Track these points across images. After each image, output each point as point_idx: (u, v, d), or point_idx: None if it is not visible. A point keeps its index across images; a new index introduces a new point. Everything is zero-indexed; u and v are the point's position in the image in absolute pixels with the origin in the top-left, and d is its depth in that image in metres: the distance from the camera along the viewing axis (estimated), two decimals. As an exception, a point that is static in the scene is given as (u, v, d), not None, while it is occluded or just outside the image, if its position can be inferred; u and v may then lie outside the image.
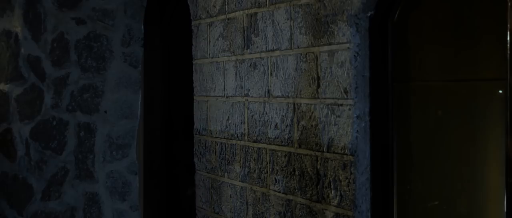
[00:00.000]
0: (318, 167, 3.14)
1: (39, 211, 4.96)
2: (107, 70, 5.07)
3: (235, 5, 3.73)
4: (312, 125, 3.18)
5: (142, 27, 5.17)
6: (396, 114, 2.99)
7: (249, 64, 3.64)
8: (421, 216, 2.95)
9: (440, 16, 2.83)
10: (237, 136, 3.76)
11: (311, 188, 3.19)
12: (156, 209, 5.17)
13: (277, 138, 3.42)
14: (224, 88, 3.88)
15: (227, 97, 3.86)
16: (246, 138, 3.68)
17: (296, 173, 3.29)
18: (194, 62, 4.21)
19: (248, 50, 3.64)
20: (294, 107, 3.29)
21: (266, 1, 3.48)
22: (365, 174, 2.96)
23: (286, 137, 3.35)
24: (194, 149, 4.26)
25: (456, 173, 2.79)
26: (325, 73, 3.09)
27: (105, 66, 5.07)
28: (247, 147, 3.68)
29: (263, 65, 3.52)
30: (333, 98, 3.04)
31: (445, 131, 2.83)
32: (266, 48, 3.49)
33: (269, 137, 3.49)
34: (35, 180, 4.94)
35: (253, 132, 3.62)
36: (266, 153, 3.51)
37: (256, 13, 3.56)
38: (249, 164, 3.66)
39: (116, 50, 5.11)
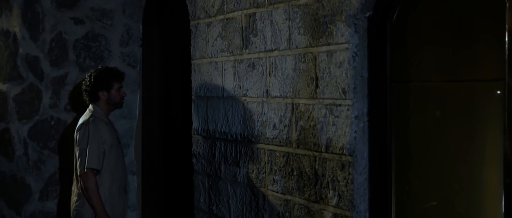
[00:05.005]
0: (317, 167, 3.14)
1: (37, 210, 4.96)
2: (105, 70, 5.07)
3: (234, 5, 3.74)
4: (310, 125, 3.18)
5: (141, 27, 5.17)
6: (395, 114, 2.99)
7: (247, 65, 3.64)
8: (419, 216, 2.95)
9: (439, 16, 2.84)
10: (236, 136, 3.76)
11: (309, 188, 3.19)
12: (154, 209, 5.17)
13: (276, 138, 3.42)
14: (223, 88, 3.88)
15: (225, 97, 3.86)
16: (244, 138, 3.69)
17: (295, 173, 3.29)
18: (192, 62, 4.21)
19: (247, 50, 3.64)
20: (293, 108, 3.30)
21: (265, 1, 3.48)
22: (363, 174, 2.97)
23: (285, 137, 3.35)
24: (192, 149, 4.26)
25: (454, 173, 2.79)
26: (323, 73, 3.09)
27: (103, 66, 5.07)
28: (245, 147, 3.68)
29: (261, 65, 3.52)
30: (331, 98, 3.04)
31: (444, 132, 2.83)
32: (265, 48, 3.49)
33: (267, 137, 3.49)
34: (34, 179, 4.93)
35: (251, 132, 3.62)
36: (265, 153, 3.52)
37: (254, 13, 3.56)
38: (248, 164, 3.66)
39: (114, 50, 5.10)
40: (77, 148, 4.00)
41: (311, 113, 3.17)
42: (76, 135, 4.03)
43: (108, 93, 4.08)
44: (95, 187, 3.95)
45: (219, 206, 3.95)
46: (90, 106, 4.11)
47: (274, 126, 3.43)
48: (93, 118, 4.02)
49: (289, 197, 3.34)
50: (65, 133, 4.96)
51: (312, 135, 3.16)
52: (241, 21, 3.68)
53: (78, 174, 3.97)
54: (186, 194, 4.55)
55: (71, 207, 4.12)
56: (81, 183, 3.98)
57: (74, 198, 4.09)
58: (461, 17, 2.75)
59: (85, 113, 4.11)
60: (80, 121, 4.08)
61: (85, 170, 3.93)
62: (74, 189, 4.10)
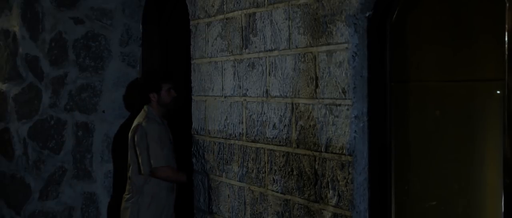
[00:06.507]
0: (316, 167, 3.14)
1: (37, 210, 4.96)
2: (105, 69, 5.08)
3: (234, 5, 3.73)
4: (310, 125, 3.18)
5: (141, 26, 5.17)
6: (394, 114, 2.99)
7: (247, 64, 3.64)
8: (419, 216, 2.95)
9: (439, 16, 2.84)
10: (235, 136, 3.76)
11: (309, 188, 3.19)
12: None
13: (275, 138, 3.42)
14: (223, 88, 3.88)
15: (225, 97, 3.86)
16: (244, 137, 3.69)
17: (294, 173, 3.29)
18: (192, 62, 4.21)
19: (247, 50, 3.64)
20: (293, 108, 3.30)
21: (265, 1, 3.48)
22: (363, 174, 2.97)
23: (284, 137, 3.35)
24: (192, 149, 4.26)
25: (454, 173, 2.79)
26: (323, 73, 3.09)
27: (103, 65, 5.07)
28: (245, 147, 3.68)
29: (261, 65, 3.52)
30: (331, 98, 3.04)
31: (443, 131, 2.83)
32: (265, 48, 3.49)
33: (267, 137, 3.49)
34: (33, 179, 4.93)
35: (251, 132, 3.62)
36: (264, 153, 3.52)
37: (254, 13, 3.56)
38: (247, 164, 3.66)
39: (114, 50, 5.11)
40: (137, 149, 4.29)
41: (311, 112, 3.17)
42: (135, 136, 4.31)
43: (158, 94, 4.37)
44: (172, 173, 4.33)
45: (219, 206, 3.95)
46: (144, 107, 4.39)
47: (274, 125, 3.43)
48: (147, 119, 4.31)
49: (289, 197, 3.34)
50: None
51: (312, 134, 3.16)
52: (241, 21, 3.68)
53: (144, 173, 4.28)
54: (186, 194, 4.54)
55: (122, 202, 4.47)
56: (132, 180, 4.37)
57: (125, 193, 4.45)
58: (461, 17, 2.75)
59: (140, 114, 4.40)
60: (135, 122, 4.38)
61: (152, 168, 4.25)
62: (128, 186, 4.44)
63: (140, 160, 4.28)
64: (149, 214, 4.38)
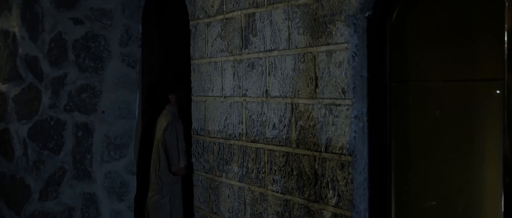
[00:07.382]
0: (316, 167, 3.14)
1: (37, 211, 4.95)
2: (105, 70, 5.07)
3: (233, 5, 3.73)
4: (310, 125, 3.18)
5: (140, 27, 5.17)
6: (394, 114, 2.99)
7: (247, 64, 3.64)
8: (419, 216, 2.95)
9: (438, 16, 2.84)
10: (235, 136, 3.76)
11: (309, 188, 3.19)
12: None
13: (275, 138, 3.42)
14: (222, 89, 3.88)
15: (225, 97, 3.86)
16: (244, 138, 3.68)
17: (294, 173, 3.29)
18: (192, 62, 4.21)
19: (246, 50, 3.64)
20: (292, 108, 3.29)
21: (264, 1, 3.48)
22: (363, 174, 2.97)
23: (284, 137, 3.35)
24: (192, 149, 4.26)
25: (454, 173, 2.79)
26: (323, 73, 3.09)
27: (103, 66, 5.07)
28: (245, 147, 3.68)
29: (261, 65, 3.52)
30: (331, 98, 3.04)
31: (443, 131, 2.83)
32: (264, 48, 3.49)
33: (267, 137, 3.49)
34: (33, 180, 4.93)
35: (251, 132, 3.62)
36: (264, 153, 3.52)
37: (254, 13, 3.56)
38: (247, 164, 3.66)
39: (114, 50, 5.10)
40: (168, 147, 4.56)
41: (310, 112, 3.17)
42: (165, 136, 4.57)
43: (177, 96, 4.69)
44: (184, 173, 4.57)
45: (219, 206, 3.95)
46: (167, 107, 4.70)
47: (274, 125, 3.43)
48: (175, 118, 4.62)
49: (289, 197, 3.34)
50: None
51: (312, 134, 3.16)
52: (241, 21, 3.68)
53: (173, 171, 4.58)
54: (186, 194, 4.55)
55: (149, 202, 4.67)
56: (162, 179, 4.62)
57: (152, 193, 4.66)
58: (460, 17, 2.75)
59: (164, 114, 4.68)
60: (164, 122, 4.64)
61: (180, 166, 4.54)
62: (154, 185, 4.67)
63: (170, 158, 4.52)
64: (180, 214, 4.63)
